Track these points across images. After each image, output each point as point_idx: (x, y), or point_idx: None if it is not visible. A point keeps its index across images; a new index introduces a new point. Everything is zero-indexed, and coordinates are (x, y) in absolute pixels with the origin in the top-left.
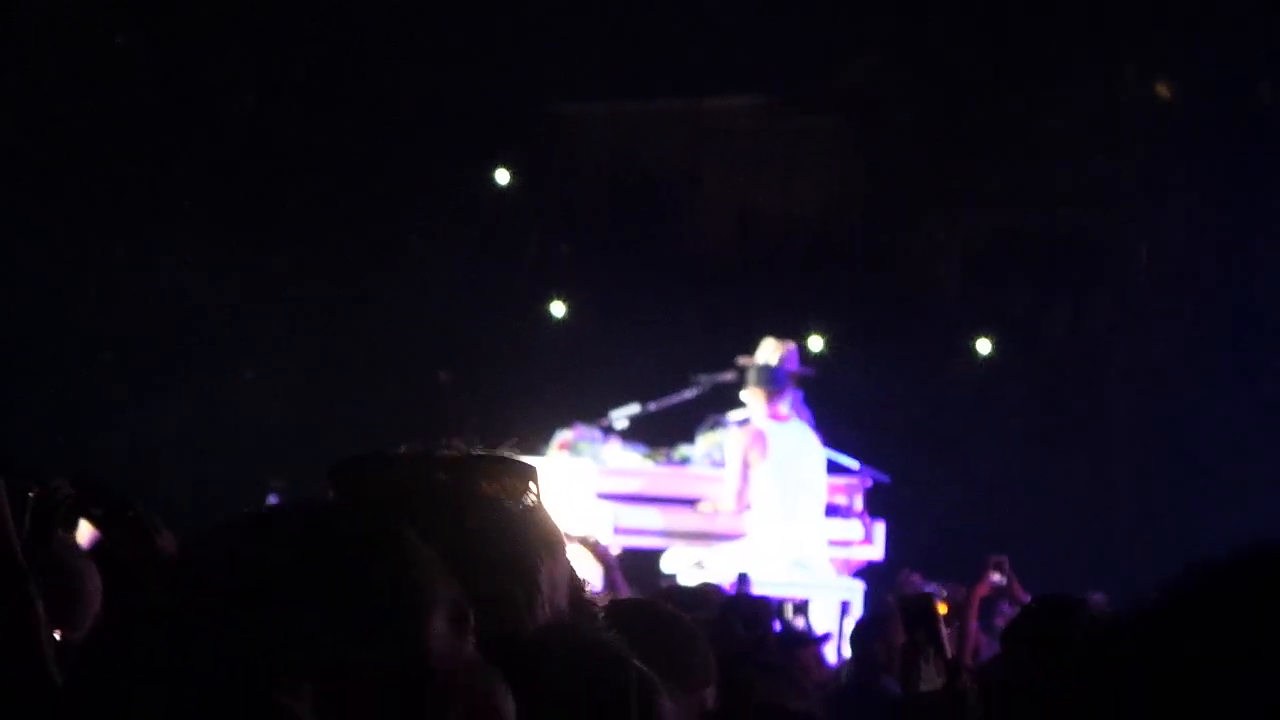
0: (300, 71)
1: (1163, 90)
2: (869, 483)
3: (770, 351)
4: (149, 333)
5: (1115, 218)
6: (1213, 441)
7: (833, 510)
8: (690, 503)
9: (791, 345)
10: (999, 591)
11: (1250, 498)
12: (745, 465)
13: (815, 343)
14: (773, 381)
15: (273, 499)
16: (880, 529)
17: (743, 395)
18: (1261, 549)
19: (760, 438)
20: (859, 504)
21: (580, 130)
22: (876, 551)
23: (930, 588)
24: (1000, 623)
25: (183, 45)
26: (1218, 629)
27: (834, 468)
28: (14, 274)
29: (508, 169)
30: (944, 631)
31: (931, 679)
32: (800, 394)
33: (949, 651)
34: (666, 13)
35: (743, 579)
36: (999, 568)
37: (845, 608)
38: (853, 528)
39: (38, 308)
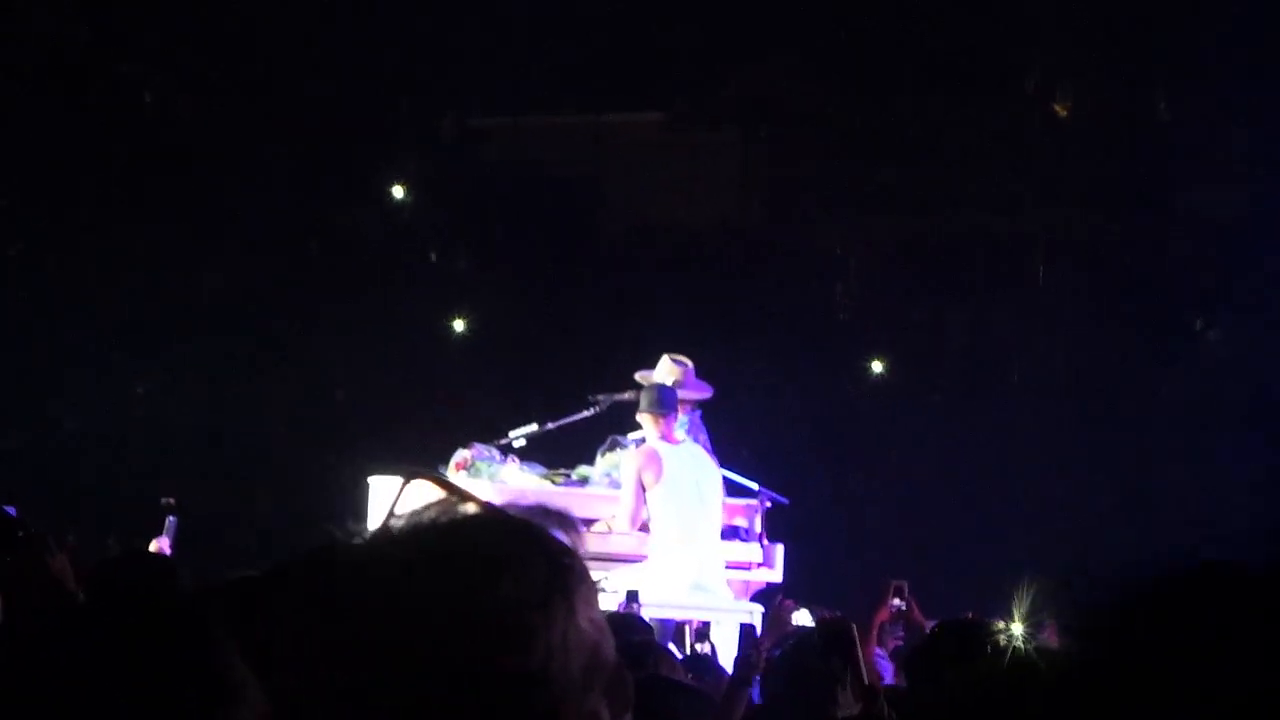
0: (204, 75)
1: (1062, 108)
2: (768, 504)
3: (665, 371)
4: (55, 336)
5: (1016, 223)
6: (1122, 451)
7: (732, 533)
8: (590, 524)
9: (687, 363)
10: (897, 616)
11: (1161, 507)
12: (640, 487)
13: (715, 360)
14: (663, 404)
15: (171, 519)
16: (779, 551)
17: (639, 417)
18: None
19: (654, 459)
20: (758, 526)
21: (481, 144)
22: (776, 574)
23: (805, 612)
24: (894, 646)
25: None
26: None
27: (733, 489)
28: None
29: (405, 184)
30: (860, 656)
31: (849, 704)
32: (698, 414)
33: (865, 677)
34: (567, 28)
35: (631, 596)
36: (899, 592)
37: (746, 630)
38: (752, 550)
39: None
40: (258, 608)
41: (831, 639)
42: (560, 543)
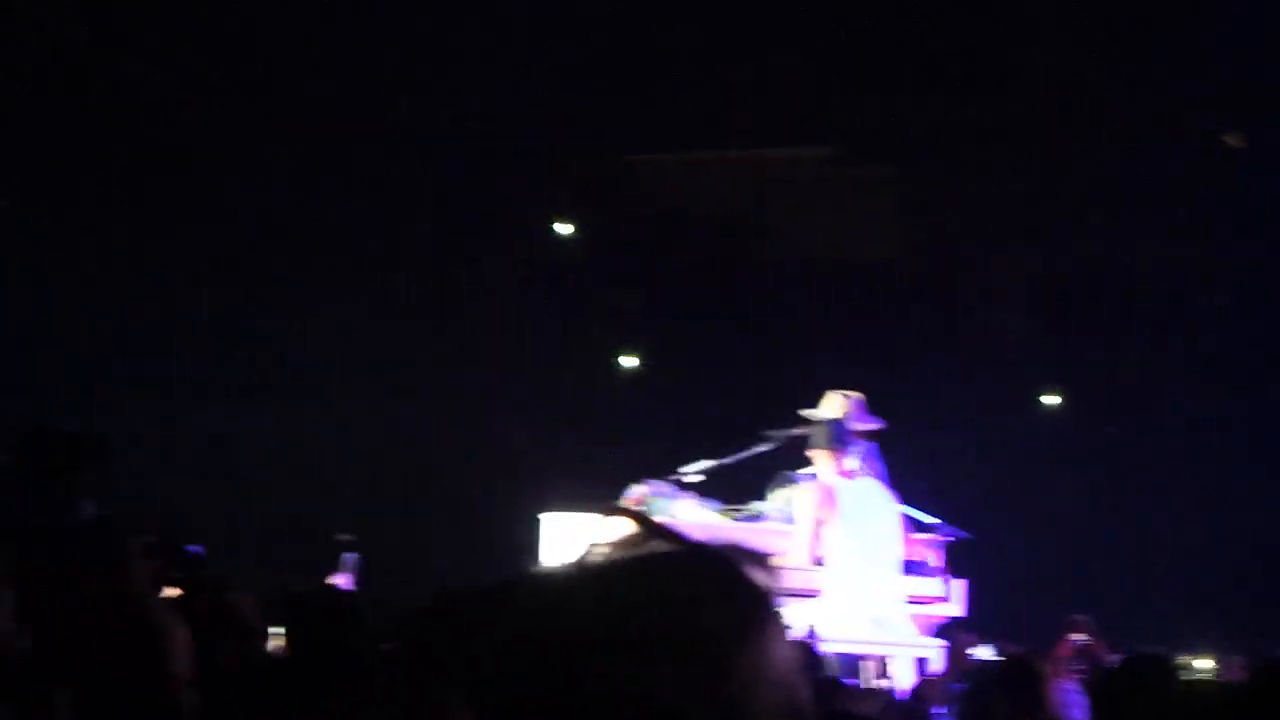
0: (362, 116)
1: (1233, 139)
2: (948, 539)
3: (834, 406)
4: (224, 376)
5: (1189, 263)
6: None
7: (911, 567)
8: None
9: (857, 397)
10: (1080, 650)
11: None
12: (817, 523)
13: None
14: (837, 438)
15: (349, 557)
16: (960, 586)
17: (809, 453)
18: None
19: (830, 495)
20: (938, 560)
21: (646, 181)
22: (957, 609)
23: (988, 647)
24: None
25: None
26: None
27: (914, 524)
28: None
29: (574, 222)
30: (1045, 691)
31: None
32: (873, 447)
33: (1050, 711)
34: (731, 65)
35: (809, 632)
36: (1082, 627)
37: (923, 665)
38: (932, 585)
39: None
40: (464, 635)
41: (1019, 675)
42: (757, 578)
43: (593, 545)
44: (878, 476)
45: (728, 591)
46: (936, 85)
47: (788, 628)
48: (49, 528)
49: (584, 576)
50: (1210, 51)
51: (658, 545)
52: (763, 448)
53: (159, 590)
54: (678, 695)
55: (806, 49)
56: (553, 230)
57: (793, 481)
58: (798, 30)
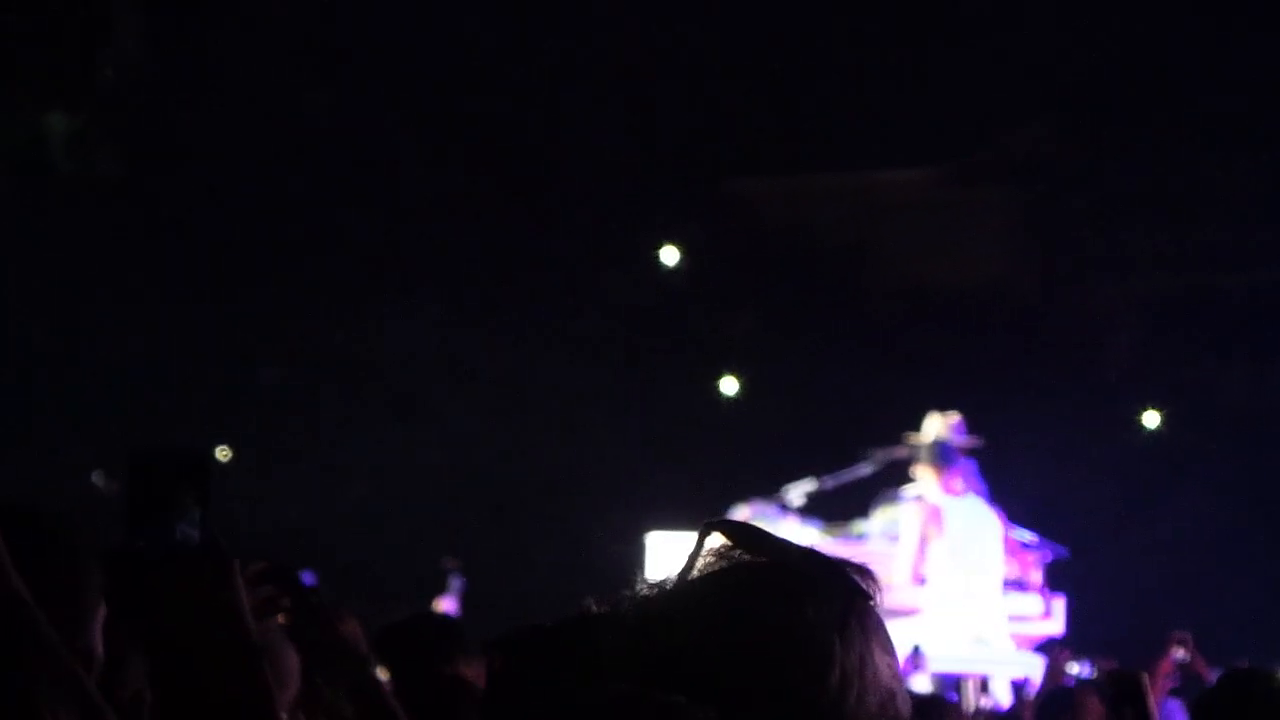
0: (472, 137)
1: None
2: (1047, 556)
3: (935, 427)
4: (334, 401)
5: None
6: None
7: (1011, 585)
8: None
9: (957, 417)
10: (1181, 667)
11: None
12: (922, 541)
13: (987, 415)
14: (943, 457)
15: (456, 580)
16: (1060, 603)
17: (914, 472)
18: None
19: (936, 514)
20: (1037, 578)
21: (750, 205)
22: (1056, 626)
23: (1083, 665)
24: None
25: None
26: None
27: (1012, 542)
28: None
29: (677, 245)
30: (1153, 708)
31: None
32: (974, 465)
33: None
34: (831, 88)
35: (916, 652)
36: (1182, 644)
37: (1024, 684)
38: (1031, 602)
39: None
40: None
41: (1123, 690)
42: (860, 578)
43: (687, 558)
44: (980, 494)
45: (819, 590)
46: (1046, 106)
47: (887, 634)
48: (151, 550)
49: (681, 589)
50: None
51: (747, 554)
52: (865, 469)
53: (270, 616)
54: (777, 684)
55: (913, 71)
56: (659, 255)
57: (897, 501)
58: (904, 53)
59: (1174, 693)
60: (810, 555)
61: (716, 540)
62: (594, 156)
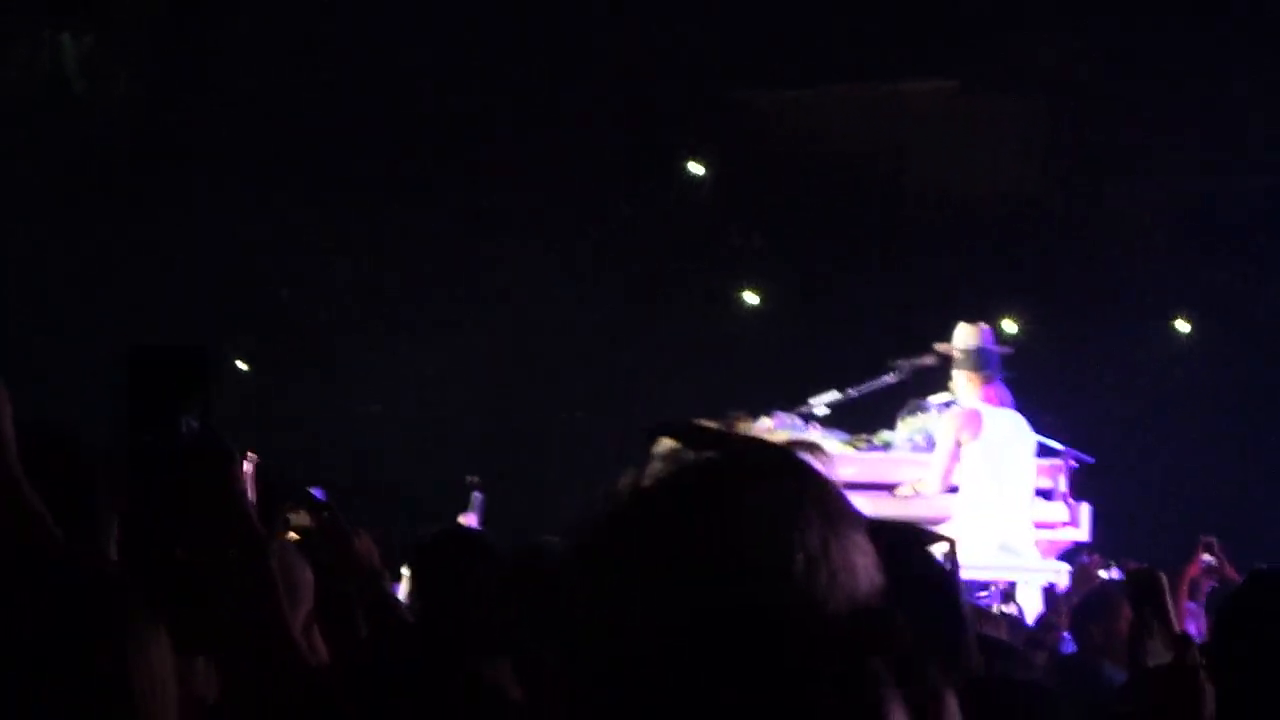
0: (479, 53)
1: None
2: (1073, 464)
3: (966, 337)
4: (339, 327)
5: None
6: None
7: (1037, 493)
8: (893, 488)
9: (986, 327)
10: (1208, 571)
11: None
12: (956, 445)
13: (1009, 325)
14: (985, 364)
15: (477, 495)
16: (1085, 511)
17: (954, 379)
18: None
19: (975, 419)
20: (1063, 486)
21: (772, 118)
22: (1082, 533)
23: (1112, 571)
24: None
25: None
26: None
27: (1038, 449)
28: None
29: (699, 159)
30: (1170, 606)
31: (1159, 654)
32: (1003, 376)
33: (1176, 626)
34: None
35: (950, 551)
36: (1209, 548)
37: (1052, 589)
38: (1058, 510)
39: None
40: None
41: (1141, 588)
42: (812, 466)
43: (635, 467)
44: (1009, 405)
45: (766, 475)
46: (1065, 14)
47: (855, 518)
48: (156, 445)
49: (633, 498)
50: None
51: (694, 454)
52: (890, 378)
53: (283, 531)
54: (744, 583)
55: None
56: (679, 169)
57: (924, 410)
58: None
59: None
60: (756, 444)
61: (665, 445)
62: (610, 68)
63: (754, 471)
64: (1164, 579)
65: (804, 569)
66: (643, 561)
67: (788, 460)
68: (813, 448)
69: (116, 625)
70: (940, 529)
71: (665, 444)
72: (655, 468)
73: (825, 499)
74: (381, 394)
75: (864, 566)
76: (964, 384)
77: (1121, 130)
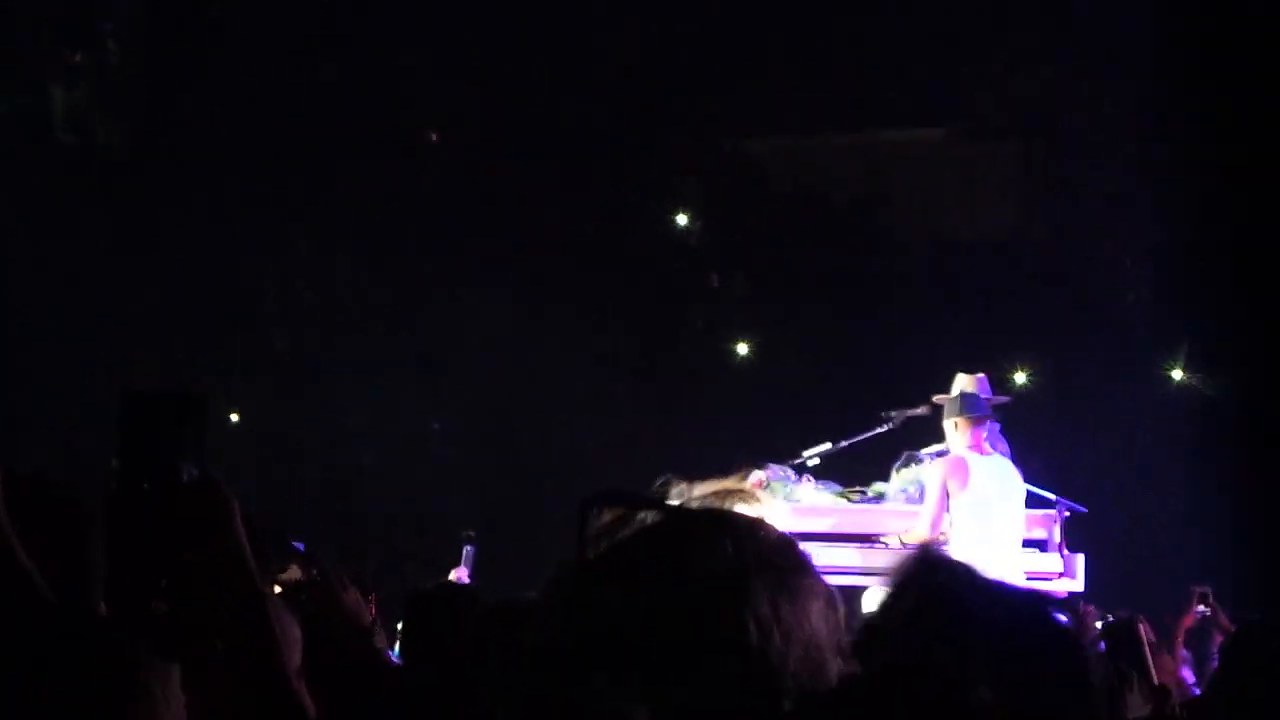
0: (482, 107)
1: None
2: (1066, 514)
3: (962, 385)
4: (339, 373)
5: None
6: None
7: (1030, 543)
8: (872, 539)
9: (981, 376)
10: (1205, 621)
11: None
12: (944, 495)
13: (1004, 374)
14: (975, 410)
15: (469, 549)
16: (1080, 561)
17: (945, 426)
18: None
19: (961, 467)
20: (1057, 536)
21: (763, 166)
22: (1077, 584)
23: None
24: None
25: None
26: None
27: (1031, 500)
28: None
29: (689, 209)
30: (1149, 657)
31: (1138, 707)
32: (998, 426)
33: (1154, 677)
34: (840, 46)
35: None
36: (1204, 598)
37: None
38: (1051, 560)
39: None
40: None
41: (1118, 640)
42: (749, 523)
43: (577, 538)
44: (1004, 454)
45: (714, 538)
46: (1048, 60)
47: (807, 582)
48: (150, 488)
49: (585, 568)
50: None
51: (646, 518)
52: (882, 429)
53: (270, 585)
54: (699, 651)
55: (919, 27)
56: (672, 219)
57: (918, 461)
58: (909, 7)
59: (1189, 645)
60: (689, 514)
61: (607, 514)
62: (601, 116)
63: (691, 544)
64: (1142, 630)
65: (757, 638)
66: (602, 633)
67: (724, 525)
68: (745, 496)
69: (112, 679)
70: None
71: (605, 514)
72: (598, 534)
73: (768, 557)
74: (376, 442)
75: (818, 611)
76: (952, 432)
77: (1112, 174)
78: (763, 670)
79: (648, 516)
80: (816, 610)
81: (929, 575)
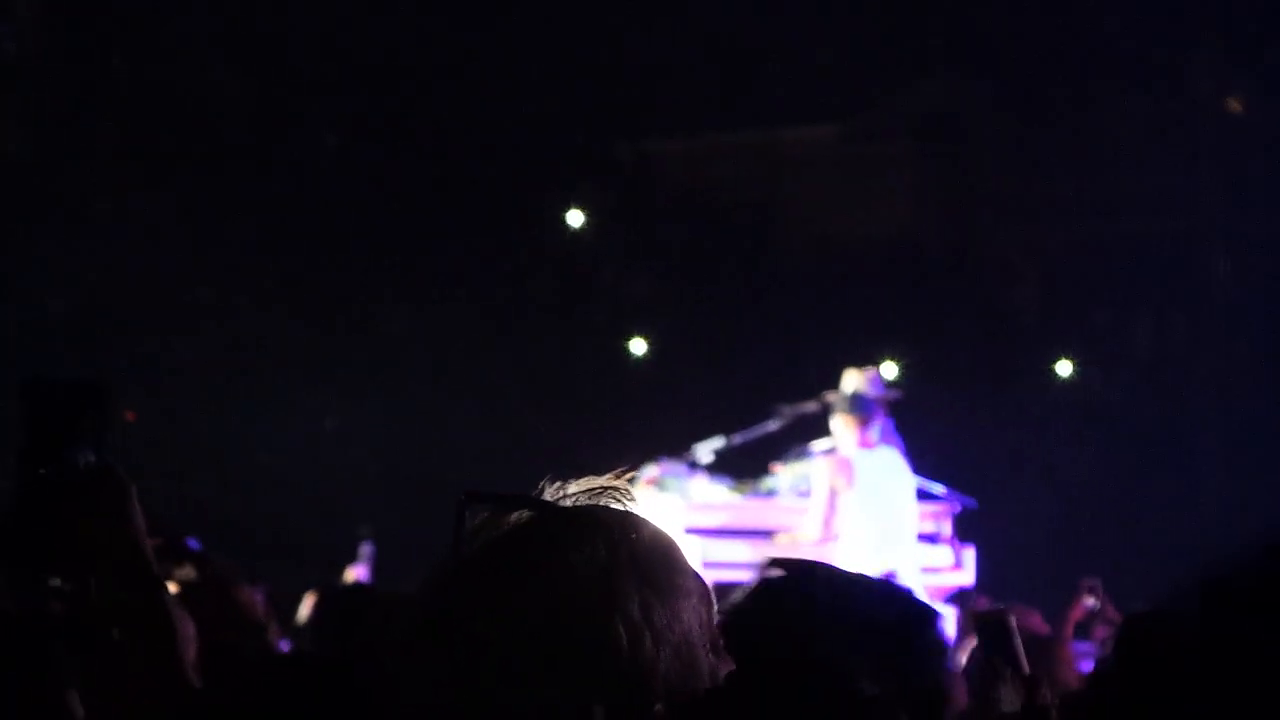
0: (377, 110)
1: (1234, 103)
2: (956, 508)
3: (853, 381)
4: (234, 372)
5: (1194, 228)
6: None
7: (921, 537)
8: (772, 535)
9: (873, 371)
10: (1092, 614)
11: None
12: (832, 494)
13: (892, 369)
14: (863, 408)
15: (366, 546)
16: (970, 554)
17: (832, 424)
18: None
19: (846, 465)
20: (947, 530)
21: (654, 166)
22: (967, 577)
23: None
24: (1098, 645)
25: (271, 82)
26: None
27: (920, 494)
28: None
29: (582, 208)
30: (1020, 648)
31: (1011, 700)
32: (890, 421)
33: (1025, 668)
34: (735, 46)
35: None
36: (1092, 591)
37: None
38: (942, 554)
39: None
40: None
41: (989, 632)
42: (620, 520)
43: (453, 535)
44: (895, 447)
45: (585, 538)
46: (946, 60)
47: (682, 581)
48: (54, 476)
49: (458, 564)
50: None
51: (520, 516)
52: (774, 424)
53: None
54: (568, 654)
55: (817, 26)
56: (563, 218)
57: (807, 456)
58: (806, 9)
59: (1081, 636)
60: (563, 513)
61: (482, 512)
62: (498, 122)
63: (562, 544)
64: (1012, 620)
65: (628, 641)
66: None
67: (595, 525)
68: (619, 492)
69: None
70: None
71: (481, 512)
72: (475, 531)
73: (639, 557)
74: (275, 444)
75: (691, 609)
76: (840, 428)
77: (1000, 174)
78: (632, 673)
79: (522, 515)
80: (689, 608)
81: (787, 574)
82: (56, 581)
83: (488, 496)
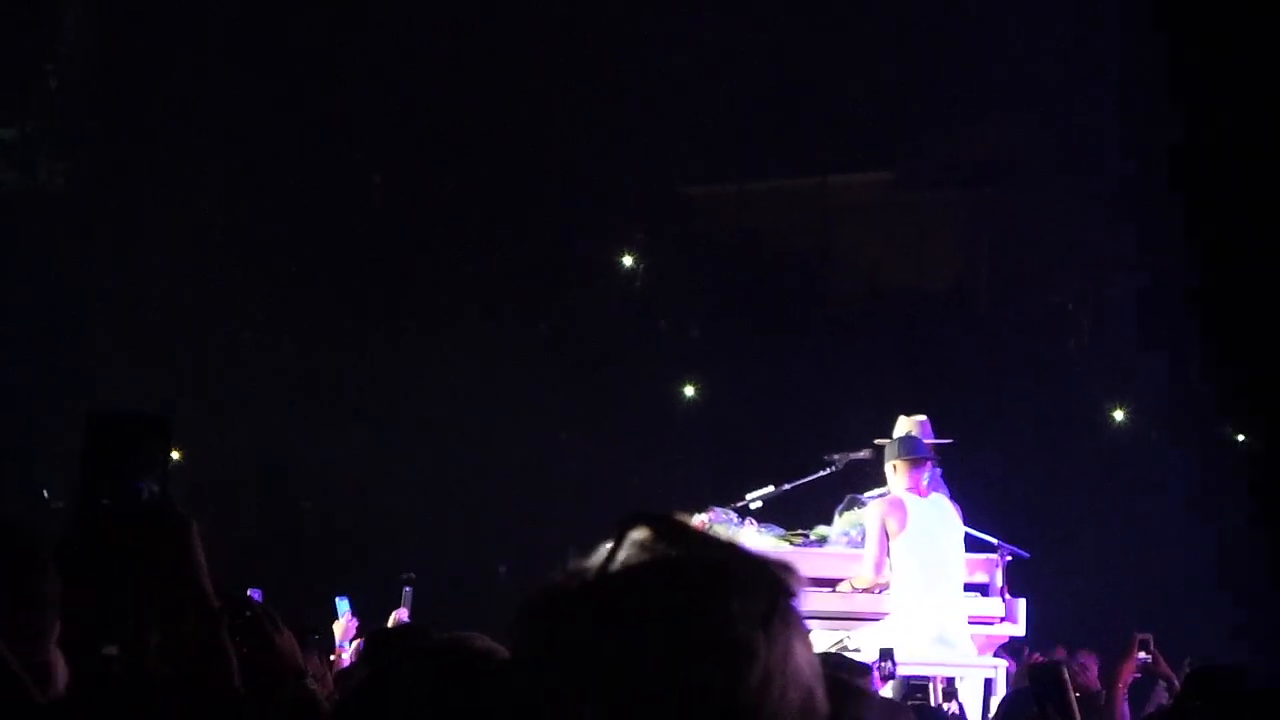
0: (430, 153)
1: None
2: (1008, 559)
3: (905, 427)
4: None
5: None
6: None
7: (973, 588)
8: (830, 584)
9: (923, 418)
10: (1146, 669)
11: None
12: (884, 536)
13: (949, 416)
14: (914, 452)
15: (407, 591)
16: (1021, 605)
17: (885, 469)
18: None
19: (899, 507)
20: (999, 580)
21: (707, 211)
22: (1019, 629)
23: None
24: (1154, 702)
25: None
26: None
27: (973, 544)
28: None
29: (634, 252)
30: (1073, 700)
31: None
32: (939, 470)
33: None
34: (789, 94)
35: (885, 654)
36: (1144, 645)
37: (989, 686)
38: (993, 605)
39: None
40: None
41: (1044, 683)
42: (784, 574)
43: (609, 550)
44: (944, 495)
45: (744, 584)
46: (993, 110)
47: (807, 631)
48: (116, 506)
49: (600, 579)
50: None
51: (670, 549)
52: (824, 472)
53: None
54: (696, 682)
55: (867, 77)
56: (619, 262)
57: (860, 504)
58: (857, 58)
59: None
60: (734, 550)
61: (640, 534)
62: (550, 164)
63: (731, 579)
64: (1066, 672)
65: (760, 682)
66: (600, 645)
67: (762, 572)
68: (784, 566)
69: None
70: (879, 625)
71: (639, 533)
72: (629, 554)
73: (790, 617)
74: (317, 489)
75: (810, 686)
76: (892, 475)
77: (1055, 223)
78: (752, 710)
79: (663, 546)
80: (809, 659)
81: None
82: (112, 650)
83: (657, 520)
